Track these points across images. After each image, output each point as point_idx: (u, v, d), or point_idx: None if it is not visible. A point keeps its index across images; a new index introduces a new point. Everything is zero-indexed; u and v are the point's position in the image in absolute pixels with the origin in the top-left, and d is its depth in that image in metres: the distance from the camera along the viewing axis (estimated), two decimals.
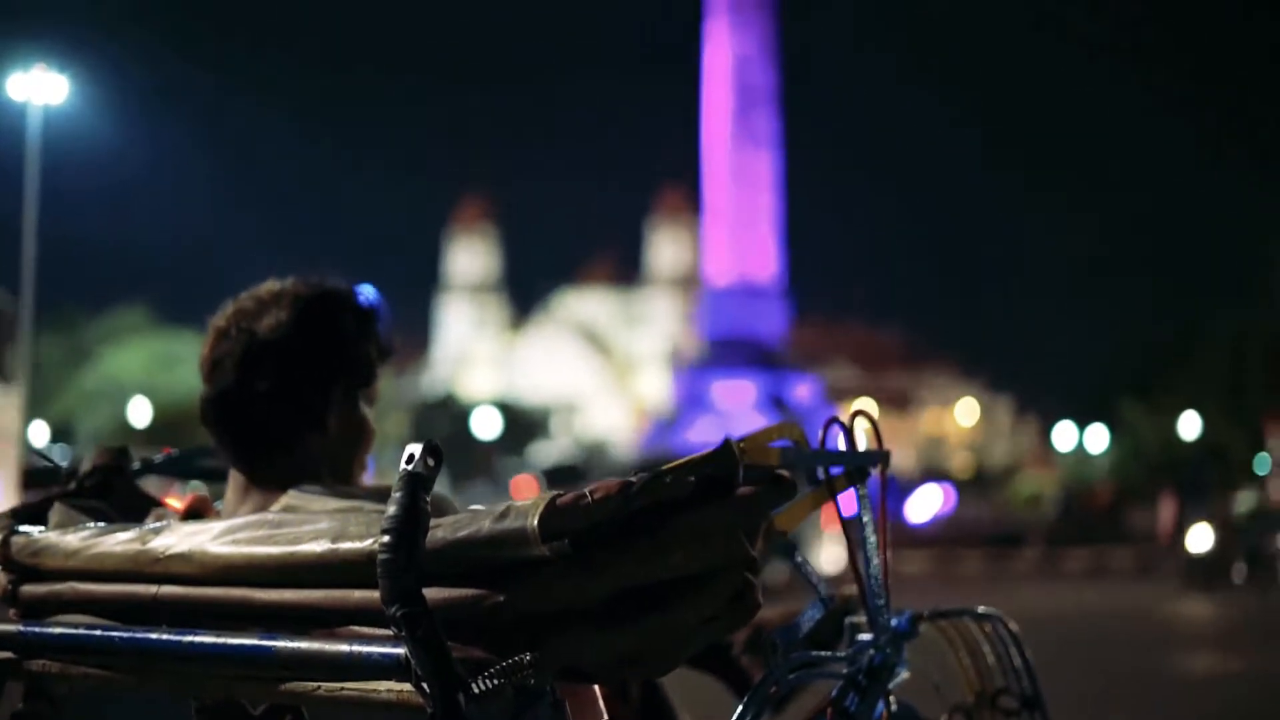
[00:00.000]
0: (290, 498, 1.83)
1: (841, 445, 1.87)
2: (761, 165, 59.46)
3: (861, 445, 1.91)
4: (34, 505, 1.94)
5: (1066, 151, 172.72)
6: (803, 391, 57.19)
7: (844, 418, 1.91)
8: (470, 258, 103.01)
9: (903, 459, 72.99)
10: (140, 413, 44.75)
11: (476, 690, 1.23)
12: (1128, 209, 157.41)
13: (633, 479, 1.31)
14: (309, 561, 1.44)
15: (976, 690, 2.44)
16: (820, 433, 1.88)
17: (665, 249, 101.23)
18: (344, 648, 1.34)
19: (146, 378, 46.33)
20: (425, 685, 1.24)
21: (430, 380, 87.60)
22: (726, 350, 56.88)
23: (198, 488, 3.02)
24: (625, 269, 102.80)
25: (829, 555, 19.45)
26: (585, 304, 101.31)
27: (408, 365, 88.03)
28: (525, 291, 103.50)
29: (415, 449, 1.28)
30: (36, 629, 1.64)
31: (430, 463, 1.28)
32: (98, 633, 1.58)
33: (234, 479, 2.06)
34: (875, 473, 1.91)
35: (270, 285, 2.10)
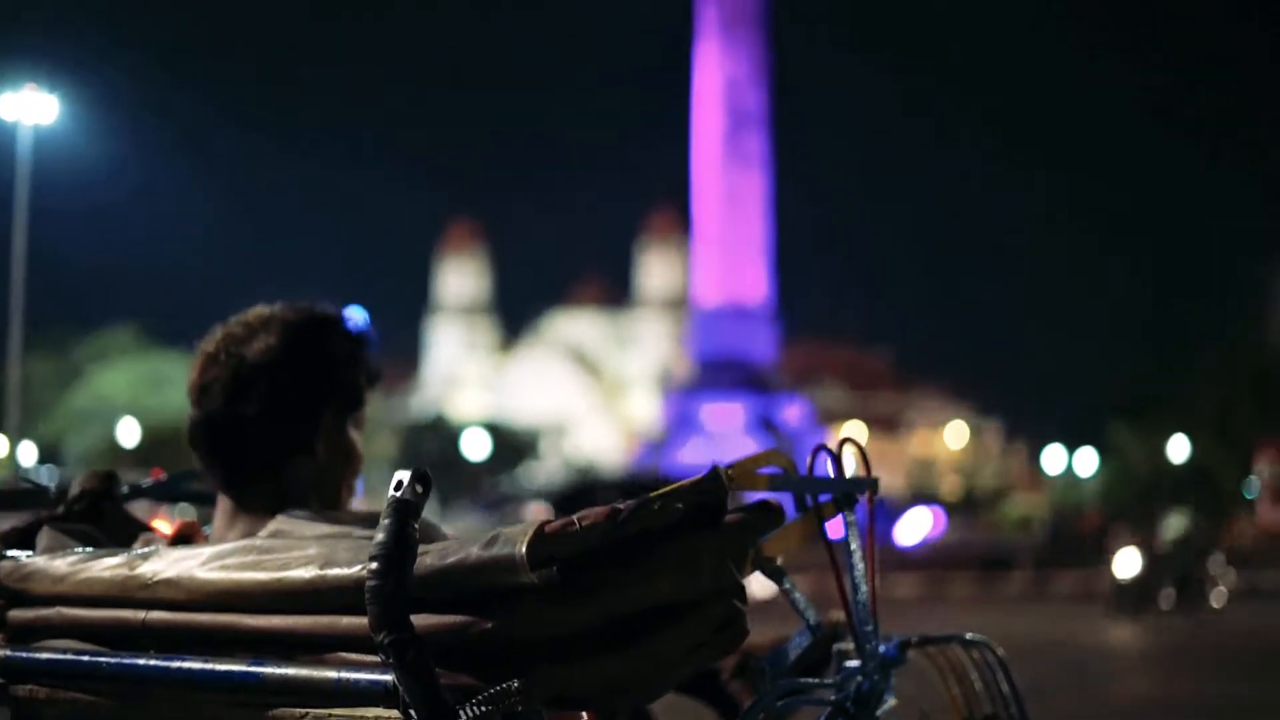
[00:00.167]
0: (278, 523, 1.83)
1: (830, 472, 1.88)
2: (752, 187, 59.58)
3: (850, 471, 1.92)
4: (22, 529, 1.94)
5: (1059, 174, 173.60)
6: (792, 413, 57.24)
7: (834, 441, 1.91)
8: (460, 279, 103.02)
9: (892, 482, 73.00)
10: (129, 433, 44.65)
11: (465, 718, 1.23)
12: (1120, 233, 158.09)
13: (620, 506, 1.31)
14: (297, 587, 1.44)
15: (964, 717, 2.44)
16: (809, 459, 1.89)
17: (655, 270, 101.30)
18: (332, 674, 1.34)
19: (135, 398, 46.25)
20: (413, 712, 1.24)
21: (420, 401, 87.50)
22: (716, 372, 56.92)
23: (186, 511, 3.02)
24: (615, 291, 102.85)
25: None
26: (575, 325, 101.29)
27: (397, 386, 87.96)
28: (515, 313, 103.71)
29: (404, 476, 1.29)
30: (24, 654, 1.63)
31: (419, 490, 1.28)
32: (85, 658, 1.58)
33: (222, 504, 2.06)
34: (863, 499, 1.92)
35: (259, 310, 2.10)
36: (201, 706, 1.48)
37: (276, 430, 2.02)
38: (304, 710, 1.38)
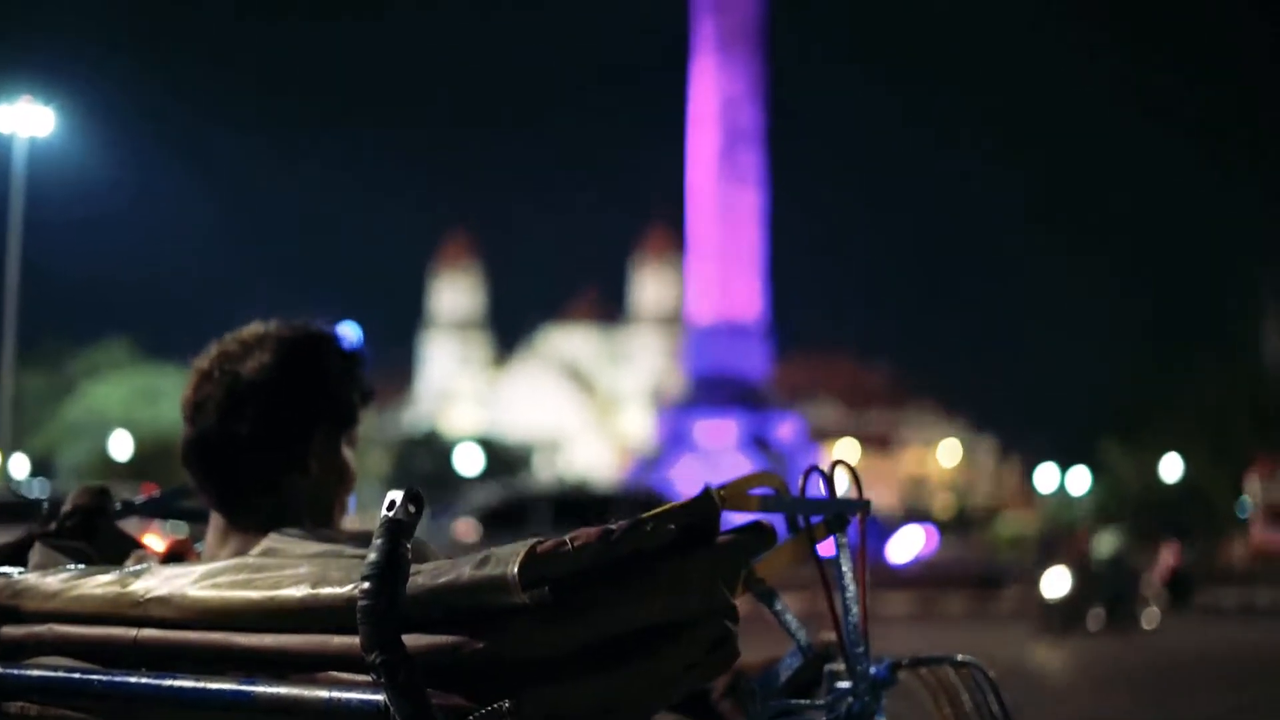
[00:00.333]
0: (271, 541, 1.83)
1: (822, 493, 1.88)
2: (747, 203, 59.56)
3: (842, 492, 1.92)
4: (14, 545, 1.94)
5: (1055, 192, 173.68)
6: (786, 431, 57.16)
7: (826, 459, 1.92)
8: (454, 294, 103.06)
9: (885, 499, 72.97)
10: (122, 447, 44.59)
11: None
12: (1117, 251, 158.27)
13: (613, 526, 1.32)
14: (289, 606, 1.44)
15: None
16: (801, 480, 1.89)
17: (649, 287, 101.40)
18: (323, 694, 1.34)
19: (128, 411, 46.18)
20: None
21: (413, 416, 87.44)
22: (710, 389, 56.82)
23: (178, 527, 3.02)
24: (609, 306, 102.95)
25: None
26: (569, 341, 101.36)
27: (391, 401, 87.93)
28: (509, 328, 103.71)
29: (396, 495, 1.29)
30: (15, 671, 1.63)
31: (411, 509, 1.28)
32: (77, 675, 1.57)
33: (214, 521, 2.05)
34: (855, 520, 1.92)
35: (254, 328, 2.11)
36: None
37: (270, 448, 2.03)
38: None
